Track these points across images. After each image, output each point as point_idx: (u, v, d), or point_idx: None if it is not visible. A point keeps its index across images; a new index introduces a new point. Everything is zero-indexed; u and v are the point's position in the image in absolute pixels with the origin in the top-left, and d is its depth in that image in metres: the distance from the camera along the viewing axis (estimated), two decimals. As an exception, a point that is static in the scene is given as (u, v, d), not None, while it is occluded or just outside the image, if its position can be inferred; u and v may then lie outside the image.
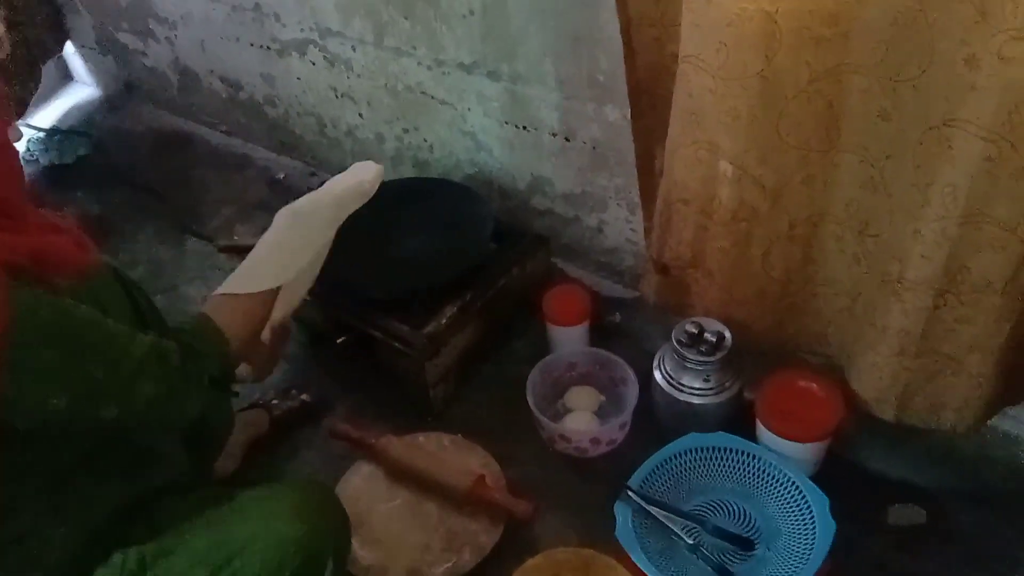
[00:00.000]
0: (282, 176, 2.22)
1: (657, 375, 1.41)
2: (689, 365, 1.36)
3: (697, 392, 1.36)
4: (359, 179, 1.36)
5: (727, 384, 1.37)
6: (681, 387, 1.37)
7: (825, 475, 1.31)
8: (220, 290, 1.16)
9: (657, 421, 1.44)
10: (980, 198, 0.97)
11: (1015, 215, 0.97)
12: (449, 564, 1.29)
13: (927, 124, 0.98)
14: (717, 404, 1.36)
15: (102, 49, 2.54)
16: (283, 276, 1.21)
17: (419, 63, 1.72)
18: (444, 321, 1.50)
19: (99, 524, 0.99)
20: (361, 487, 1.41)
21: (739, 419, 1.36)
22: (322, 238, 1.28)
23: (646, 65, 1.25)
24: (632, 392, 1.44)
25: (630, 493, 1.24)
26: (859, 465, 1.38)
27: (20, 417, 0.85)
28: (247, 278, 1.18)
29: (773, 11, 0.99)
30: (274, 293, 1.20)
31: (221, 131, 2.42)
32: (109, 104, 2.61)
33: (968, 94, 0.92)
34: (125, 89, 2.60)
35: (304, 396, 1.58)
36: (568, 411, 1.52)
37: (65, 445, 0.95)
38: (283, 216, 1.26)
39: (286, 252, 1.23)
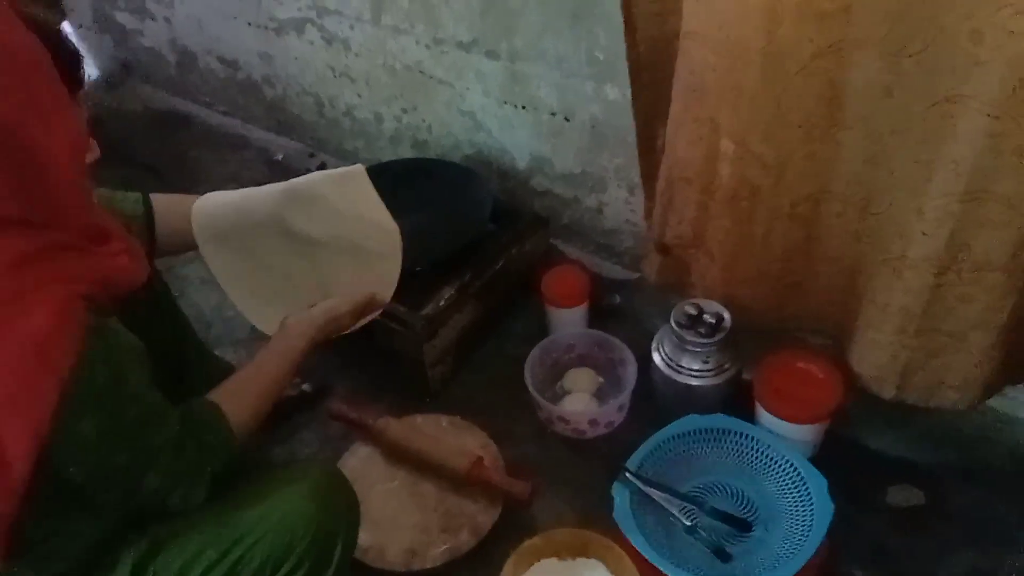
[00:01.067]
0: (280, 156, 2.21)
1: (656, 357, 1.41)
2: (688, 347, 1.35)
3: (696, 373, 1.36)
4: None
5: (726, 365, 1.36)
6: (680, 368, 1.37)
7: (824, 455, 1.31)
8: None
9: (656, 403, 1.44)
10: (983, 175, 0.96)
11: (1018, 192, 0.96)
12: (447, 545, 1.29)
13: (931, 100, 0.96)
14: (716, 385, 1.36)
15: (99, 28, 2.53)
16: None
17: (417, 41, 1.70)
18: (442, 302, 1.49)
19: (119, 518, 0.98)
20: (359, 468, 1.41)
21: (738, 400, 1.36)
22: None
23: (647, 41, 1.23)
24: (631, 373, 1.43)
25: (628, 474, 1.23)
26: (859, 444, 1.38)
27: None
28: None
29: (775, -15, 0.98)
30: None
31: (219, 111, 2.41)
32: (106, 84, 2.59)
33: (972, 69, 0.91)
34: (122, 69, 2.58)
35: (305, 386, 1.57)
36: (566, 392, 1.52)
37: None
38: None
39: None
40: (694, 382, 1.36)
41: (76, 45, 0.91)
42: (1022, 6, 0.84)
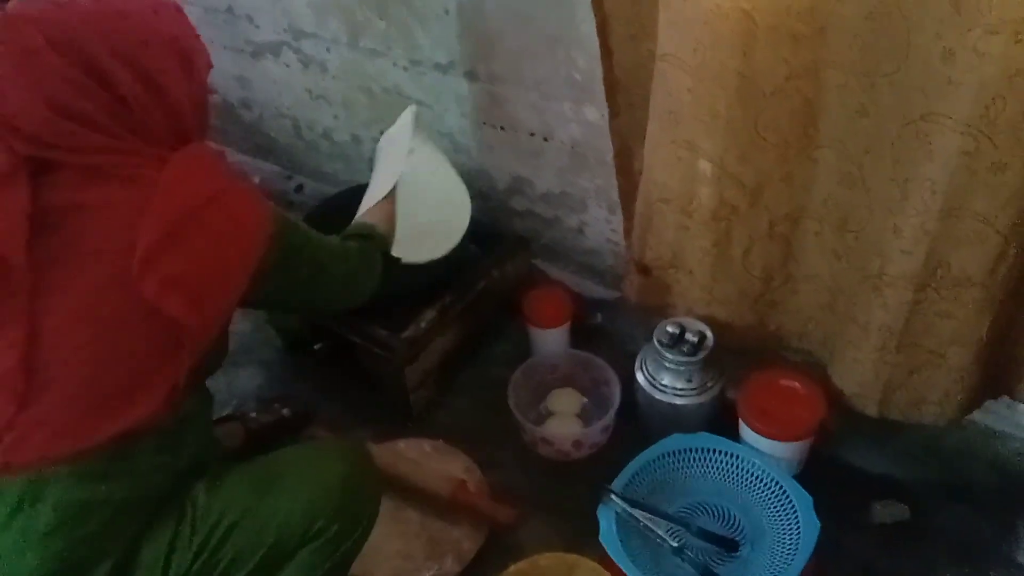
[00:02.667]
0: (257, 179, 2.19)
1: (639, 376, 1.40)
2: (671, 365, 1.35)
3: (679, 393, 1.35)
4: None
5: (709, 384, 1.36)
6: (663, 388, 1.36)
7: (809, 472, 1.31)
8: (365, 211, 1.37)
9: (640, 423, 1.43)
10: (958, 192, 0.97)
11: (993, 209, 0.97)
12: (432, 572, 1.28)
13: (905, 119, 0.97)
14: (699, 404, 1.35)
15: (73, 54, 2.50)
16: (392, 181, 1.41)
17: (395, 64, 1.70)
18: (423, 325, 1.48)
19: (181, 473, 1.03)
20: (342, 494, 1.39)
21: (722, 419, 1.36)
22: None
23: (622, 64, 1.24)
24: (615, 394, 1.43)
25: (613, 496, 1.22)
26: (843, 462, 1.38)
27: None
28: (379, 188, 1.41)
29: (750, 8, 0.99)
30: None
31: (196, 135, 2.39)
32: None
33: (945, 88, 0.92)
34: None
35: (285, 411, 1.55)
36: (550, 414, 1.51)
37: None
38: (386, 143, 1.52)
39: (397, 166, 1.44)
40: (678, 401, 1.36)
41: None
42: (991, 27, 0.85)
